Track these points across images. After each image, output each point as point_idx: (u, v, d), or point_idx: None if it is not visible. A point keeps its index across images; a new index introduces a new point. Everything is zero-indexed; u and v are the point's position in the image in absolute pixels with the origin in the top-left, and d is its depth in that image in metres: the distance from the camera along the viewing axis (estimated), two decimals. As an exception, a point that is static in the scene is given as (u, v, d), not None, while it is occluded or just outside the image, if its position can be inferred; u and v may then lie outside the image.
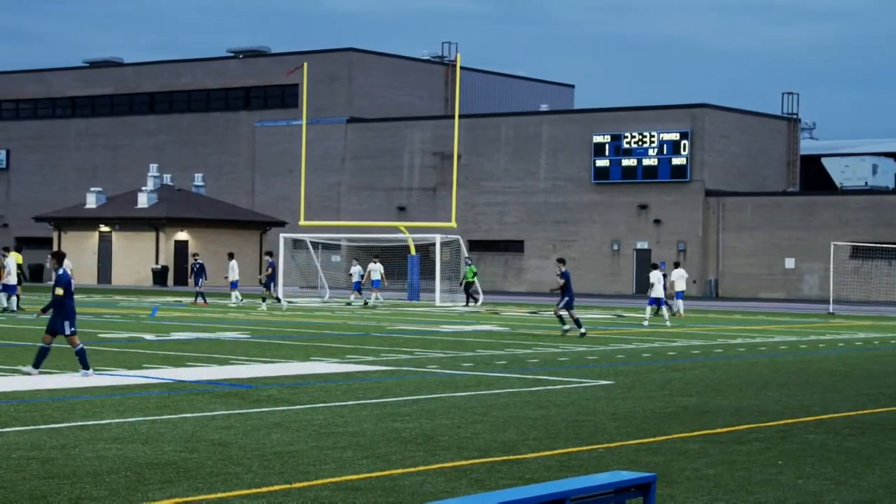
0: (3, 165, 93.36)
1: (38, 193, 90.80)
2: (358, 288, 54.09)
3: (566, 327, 32.95)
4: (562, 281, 33.19)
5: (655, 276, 39.22)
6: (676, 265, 48.77)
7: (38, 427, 14.38)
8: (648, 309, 39.47)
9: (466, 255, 59.14)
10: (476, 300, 54.58)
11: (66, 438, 13.52)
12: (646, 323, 38.66)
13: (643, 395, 18.82)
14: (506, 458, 12.80)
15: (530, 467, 12.28)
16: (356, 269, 54.49)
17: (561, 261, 34.56)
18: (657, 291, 39.11)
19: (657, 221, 71.28)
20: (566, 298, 32.77)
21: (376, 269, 53.09)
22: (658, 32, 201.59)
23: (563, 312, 32.96)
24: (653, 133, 71.22)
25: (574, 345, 29.57)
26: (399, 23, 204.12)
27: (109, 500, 10.41)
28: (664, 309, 39.70)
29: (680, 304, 45.03)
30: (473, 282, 54.91)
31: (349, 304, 53.02)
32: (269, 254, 51.73)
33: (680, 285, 45.36)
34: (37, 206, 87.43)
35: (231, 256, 52.53)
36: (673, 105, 72.94)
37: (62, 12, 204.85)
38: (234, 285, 51.52)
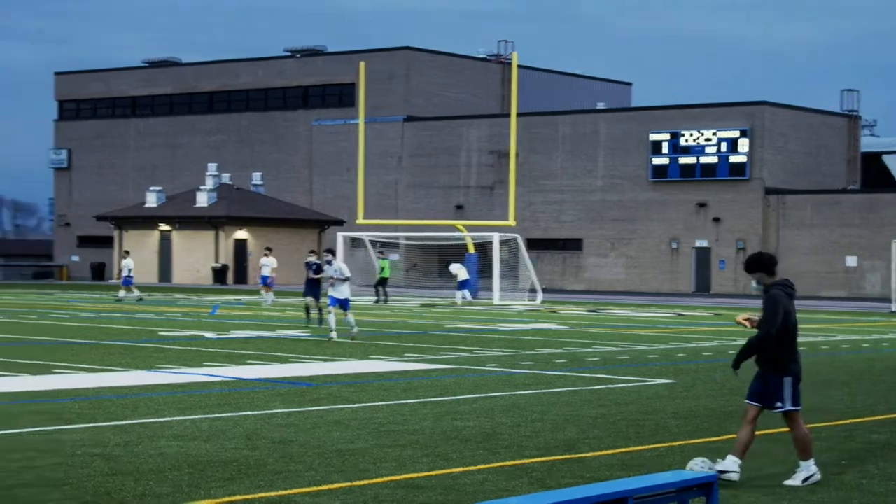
0: (65, 165, 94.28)
1: (99, 192, 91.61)
2: (265, 282, 47.21)
3: None
4: None
5: (456, 268, 50.95)
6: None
7: (101, 424, 14.51)
8: (458, 294, 50.29)
9: (380, 249, 54.90)
10: (385, 299, 50.23)
11: (129, 435, 13.63)
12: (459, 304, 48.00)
13: (704, 394, 18.70)
14: (566, 456, 12.76)
15: (591, 466, 12.24)
16: (268, 262, 47.43)
17: None
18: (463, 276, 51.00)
19: (716, 219, 70.82)
20: None
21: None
22: (716, 30, 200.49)
23: None
24: (711, 131, 70.76)
25: (633, 343, 29.47)
26: (455, 21, 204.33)
27: (173, 496, 10.48)
28: (458, 295, 50.42)
29: (459, 295, 51.34)
30: (388, 278, 51.63)
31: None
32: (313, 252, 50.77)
33: (463, 275, 51.81)
34: (98, 205, 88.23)
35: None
36: (731, 102, 72.42)
37: (112, 12, 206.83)
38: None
